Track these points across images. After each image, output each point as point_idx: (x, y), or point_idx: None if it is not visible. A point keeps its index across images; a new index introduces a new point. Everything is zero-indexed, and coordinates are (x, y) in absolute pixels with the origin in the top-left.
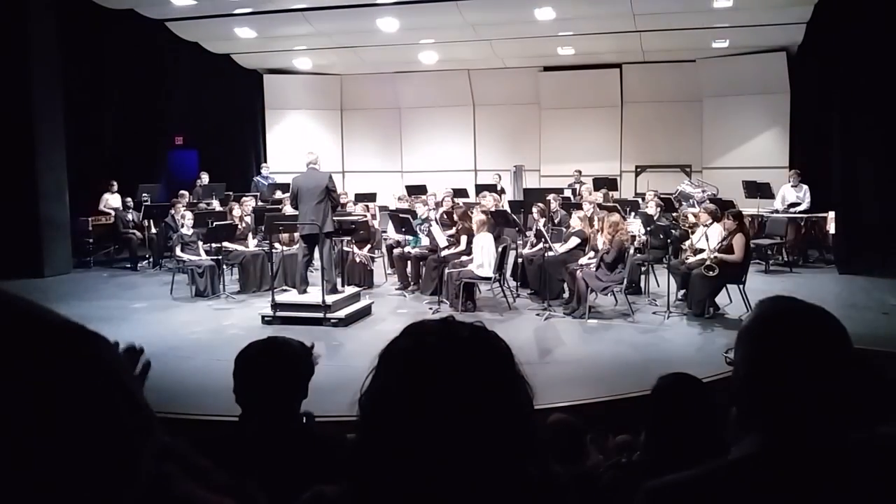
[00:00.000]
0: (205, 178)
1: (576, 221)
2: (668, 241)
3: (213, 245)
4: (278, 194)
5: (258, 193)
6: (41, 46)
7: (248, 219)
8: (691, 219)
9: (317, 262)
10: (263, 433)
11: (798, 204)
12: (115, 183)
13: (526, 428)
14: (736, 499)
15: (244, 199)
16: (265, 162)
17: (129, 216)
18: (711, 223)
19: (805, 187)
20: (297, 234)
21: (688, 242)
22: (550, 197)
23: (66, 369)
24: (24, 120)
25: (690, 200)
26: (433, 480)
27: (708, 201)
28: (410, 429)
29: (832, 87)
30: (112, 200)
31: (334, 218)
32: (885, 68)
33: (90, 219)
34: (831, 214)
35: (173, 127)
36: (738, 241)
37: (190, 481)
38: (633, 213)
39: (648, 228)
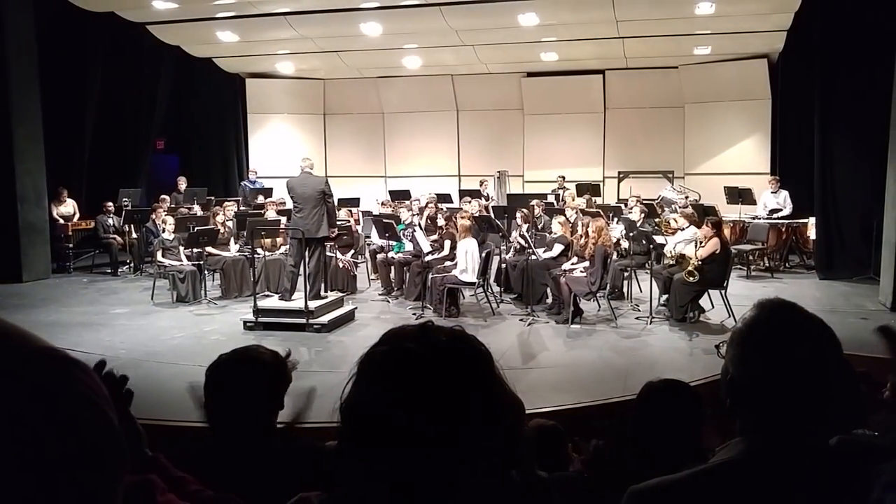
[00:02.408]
0: (182, 183)
1: (556, 227)
2: (651, 246)
3: (195, 250)
4: (260, 199)
5: (238, 199)
6: (19, 49)
7: (229, 224)
8: (673, 224)
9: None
10: (237, 448)
11: (779, 210)
12: (64, 190)
13: (507, 431)
14: (719, 502)
15: (226, 203)
16: (248, 167)
17: (110, 221)
18: (688, 226)
19: (785, 193)
20: (279, 240)
21: (667, 247)
22: (534, 202)
23: (42, 394)
24: (1, 123)
25: (673, 206)
26: (415, 486)
27: (690, 206)
28: (391, 434)
29: (812, 93)
30: (63, 209)
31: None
32: (865, 75)
33: (69, 223)
34: (812, 220)
35: (154, 131)
36: (711, 244)
37: (171, 492)
38: (615, 219)
39: (631, 234)
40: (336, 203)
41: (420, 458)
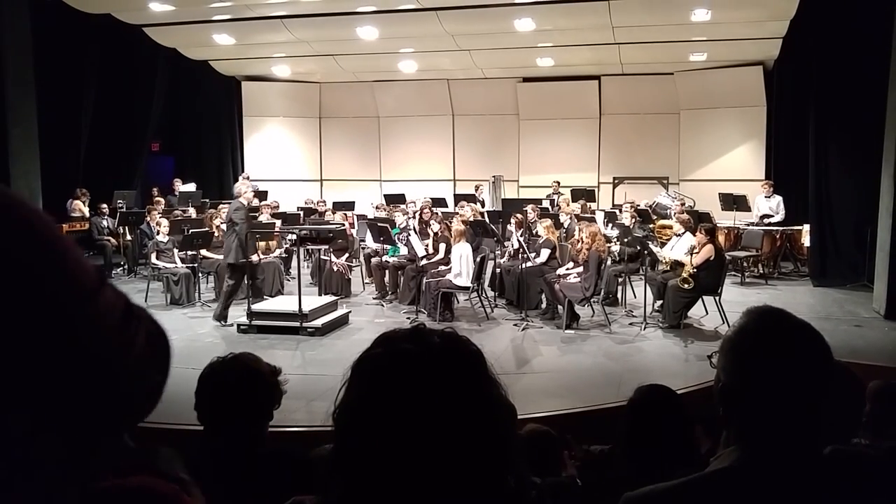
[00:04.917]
0: (178, 184)
1: (541, 230)
2: (645, 252)
3: (189, 252)
4: (255, 202)
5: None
6: (16, 50)
7: (224, 226)
8: (672, 225)
9: (294, 271)
10: (227, 455)
11: (771, 216)
12: (86, 191)
13: (501, 431)
14: None
15: (221, 206)
16: (243, 170)
17: (104, 223)
18: (684, 233)
19: (778, 199)
20: (273, 243)
21: (662, 254)
22: (528, 208)
23: None
24: None
25: (667, 212)
26: (410, 489)
27: (685, 212)
28: (385, 437)
29: (807, 100)
30: (84, 208)
31: (314, 227)
32: (859, 82)
33: (64, 225)
34: (806, 227)
35: (150, 133)
36: (704, 251)
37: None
38: (610, 225)
39: (625, 240)
40: (331, 207)
41: (414, 460)
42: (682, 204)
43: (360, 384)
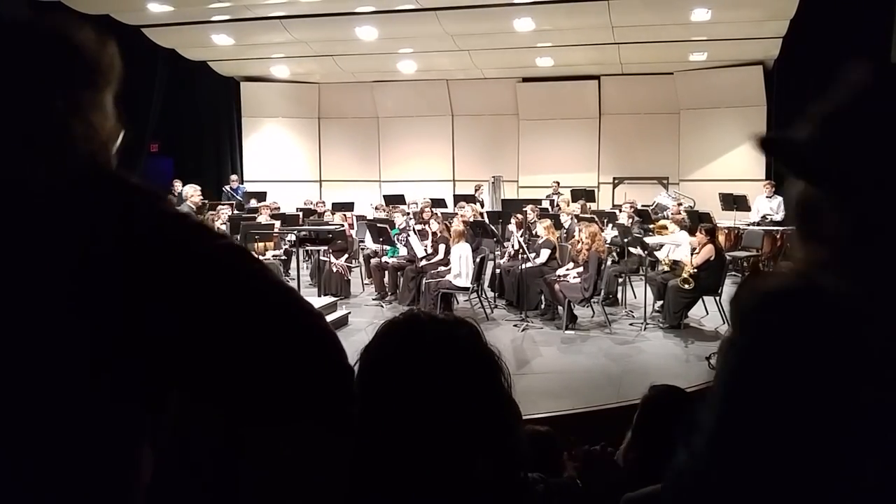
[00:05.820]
0: (178, 186)
1: (541, 231)
2: (645, 252)
3: None
4: (253, 202)
5: (232, 203)
6: None
7: (223, 227)
8: (666, 228)
9: (293, 272)
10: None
11: (771, 216)
12: None
13: (508, 428)
14: None
15: (220, 207)
16: (235, 173)
17: None
18: (678, 231)
19: (779, 199)
20: (271, 244)
21: (660, 254)
22: (528, 208)
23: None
24: None
25: (667, 212)
26: (413, 471)
27: (683, 212)
28: (390, 417)
29: (807, 100)
30: None
31: (313, 228)
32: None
33: None
34: None
35: (149, 134)
36: (705, 251)
37: None
38: (609, 225)
39: (625, 240)
40: (330, 208)
41: (420, 442)
42: (679, 205)
43: (364, 368)
